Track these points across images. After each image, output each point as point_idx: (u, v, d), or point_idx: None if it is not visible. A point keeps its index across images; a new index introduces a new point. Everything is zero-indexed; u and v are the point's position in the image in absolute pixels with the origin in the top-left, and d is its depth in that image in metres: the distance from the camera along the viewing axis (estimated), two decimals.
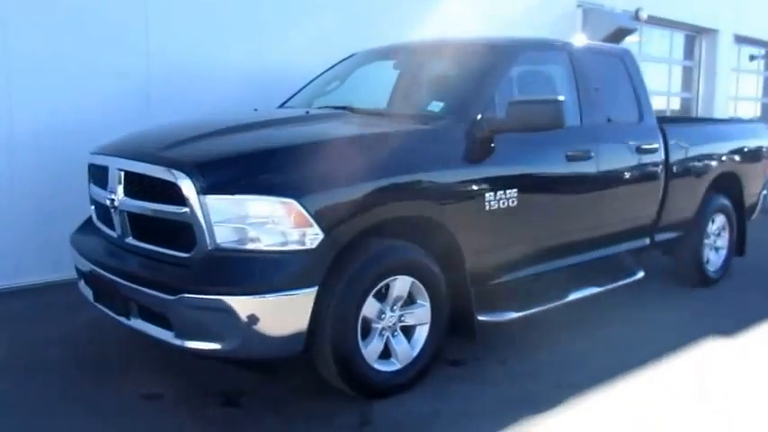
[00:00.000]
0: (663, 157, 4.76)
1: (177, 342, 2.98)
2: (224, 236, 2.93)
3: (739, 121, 7.19)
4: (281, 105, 4.84)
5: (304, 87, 4.96)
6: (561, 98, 3.62)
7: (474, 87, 3.83)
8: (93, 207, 3.80)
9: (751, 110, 14.62)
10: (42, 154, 4.94)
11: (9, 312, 4.52)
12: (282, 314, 2.91)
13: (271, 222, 2.90)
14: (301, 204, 2.90)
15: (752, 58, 14.34)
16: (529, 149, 3.84)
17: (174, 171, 3.00)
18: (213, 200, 2.92)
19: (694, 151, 5.07)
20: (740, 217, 5.69)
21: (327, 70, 5.01)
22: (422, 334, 3.40)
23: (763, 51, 14.53)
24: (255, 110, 4.34)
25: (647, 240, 4.87)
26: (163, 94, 5.40)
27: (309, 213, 2.92)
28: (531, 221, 3.85)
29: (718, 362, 3.91)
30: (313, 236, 2.93)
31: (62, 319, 4.32)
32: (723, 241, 5.59)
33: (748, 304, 5.05)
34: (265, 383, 3.46)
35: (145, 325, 3.14)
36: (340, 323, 3.05)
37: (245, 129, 3.59)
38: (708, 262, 5.43)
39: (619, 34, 9.14)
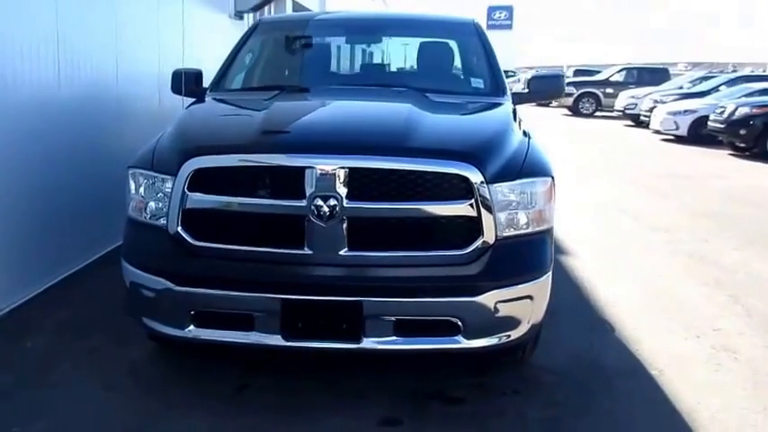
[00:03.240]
0: None
1: (465, 345, 2.80)
2: (507, 223, 2.84)
3: None
4: (216, 85, 4.12)
5: (227, 69, 4.25)
6: (563, 72, 4.36)
7: (496, 63, 4.19)
8: (183, 227, 2.82)
9: None
10: None
11: None
12: (548, 291, 3.02)
13: (539, 202, 2.93)
14: (553, 181, 3.04)
15: None
16: None
17: (462, 163, 2.75)
18: (498, 188, 2.80)
19: None
20: None
21: (242, 44, 4.42)
22: None
23: None
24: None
25: None
26: None
27: (554, 190, 3.07)
28: None
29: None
30: (552, 211, 3.07)
31: None
32: None
33: None
34: (466, 382, 3.32)
35: (402, 341, 2.79)
36: None
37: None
38: None
39: (267, 2, 9.79)
